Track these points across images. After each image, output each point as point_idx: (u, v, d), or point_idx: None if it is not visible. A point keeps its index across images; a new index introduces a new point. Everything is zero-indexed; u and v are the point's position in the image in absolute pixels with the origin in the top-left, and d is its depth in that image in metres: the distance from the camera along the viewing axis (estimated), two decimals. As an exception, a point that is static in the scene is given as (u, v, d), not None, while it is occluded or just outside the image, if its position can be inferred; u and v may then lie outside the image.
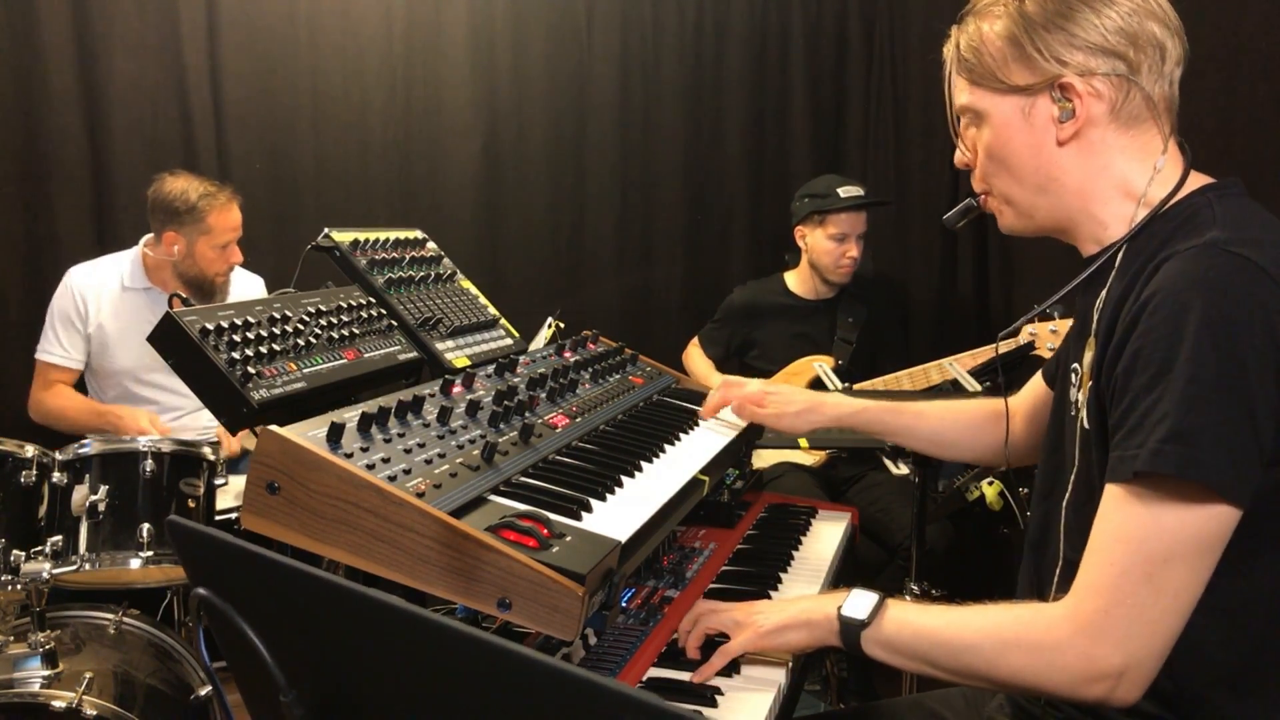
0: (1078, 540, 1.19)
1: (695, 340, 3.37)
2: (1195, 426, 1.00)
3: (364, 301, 1.74)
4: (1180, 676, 1.09)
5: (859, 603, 1.19)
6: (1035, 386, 1.53)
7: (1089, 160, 1.17)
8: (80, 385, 2.93)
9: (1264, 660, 1.10)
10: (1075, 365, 1.24)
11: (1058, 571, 1.22)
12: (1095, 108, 1.15)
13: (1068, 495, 1.22)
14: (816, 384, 2.96)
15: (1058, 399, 1.30)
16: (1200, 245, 1.06)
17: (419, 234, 1.98)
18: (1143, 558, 1.02)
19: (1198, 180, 1.18)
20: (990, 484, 2.36)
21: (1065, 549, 1.22)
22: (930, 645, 1.14)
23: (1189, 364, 1.00)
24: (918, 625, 1.16)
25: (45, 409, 2.83)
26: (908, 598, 1.18)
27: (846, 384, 2.86)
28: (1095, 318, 1.18)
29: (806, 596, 1.32)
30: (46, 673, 1.83)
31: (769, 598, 1.54)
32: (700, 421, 1.77)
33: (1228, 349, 1.00)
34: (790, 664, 1.33)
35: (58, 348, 2.83)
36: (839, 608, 1.20)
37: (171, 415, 2.91)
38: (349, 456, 1.16)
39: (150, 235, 2.87)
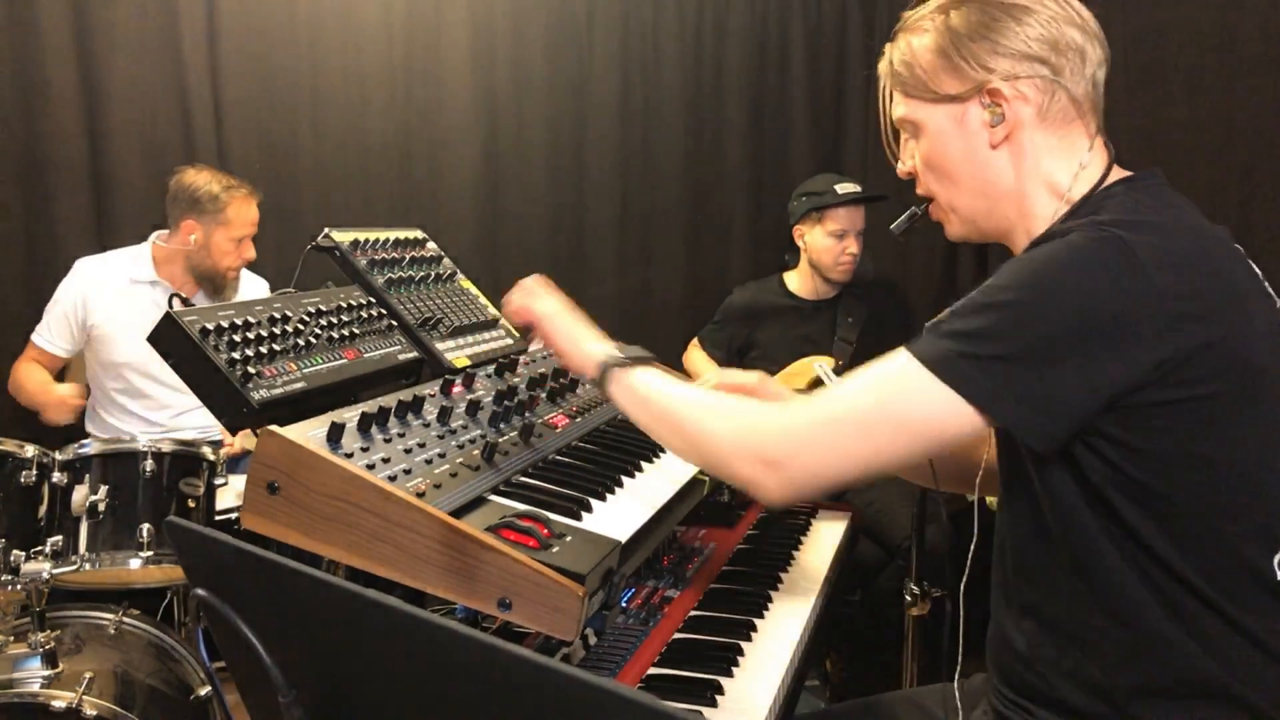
0: (1008, 534, 1.26)
1: (695, 341, 3.37)
2: (982, 341, 1.06)
3: (364, 301, 1.73)
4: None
5: (632, 354, 1.34)
6: None
7: (1020, 162, 1.22)
8: (79, 382, 2.94)
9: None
10: None
11: (1010, 547, 1.26)
12: (1023, 110, 1.20)
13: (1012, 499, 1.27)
14: (817, 384, 2.96)
15: None
16: (1082, 224, 1.10)
17: (419, 234, 1.98)
18: (873, 399, 1.12)
19: (1118, 174, 1.22)
20: (990, 484, 2.35)
21: (1012, 546, 1.26)
22: (660, 395, 1.27)
23: (1018, 292, 1.07)
24: (659, 382, 1.29)
25: (14, 379, 2.86)
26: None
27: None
28: None
29: (602, 335, 1.43)
30: (46, 673, 1.83)
31: (769, 598, 1.54)
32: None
33: (1062, 298, 1.05)
34: (790, 663, 1.33)
35: (46, 331, 2.87)
36: (612, 349, 1.35)
37: (172, 412, 2.91)
38: (349, 456, 1.16)
39: (163, 231, 2.89)
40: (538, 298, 1.51)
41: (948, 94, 1.23)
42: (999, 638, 1.27)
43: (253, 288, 3.05)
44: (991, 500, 2.34)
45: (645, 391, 1.29)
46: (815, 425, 1.14)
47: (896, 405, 1.10)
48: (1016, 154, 1.22)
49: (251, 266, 3.02)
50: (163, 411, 2.90)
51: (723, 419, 1.20)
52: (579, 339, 1.41)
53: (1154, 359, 1.03)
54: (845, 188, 3.09)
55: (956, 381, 1.06)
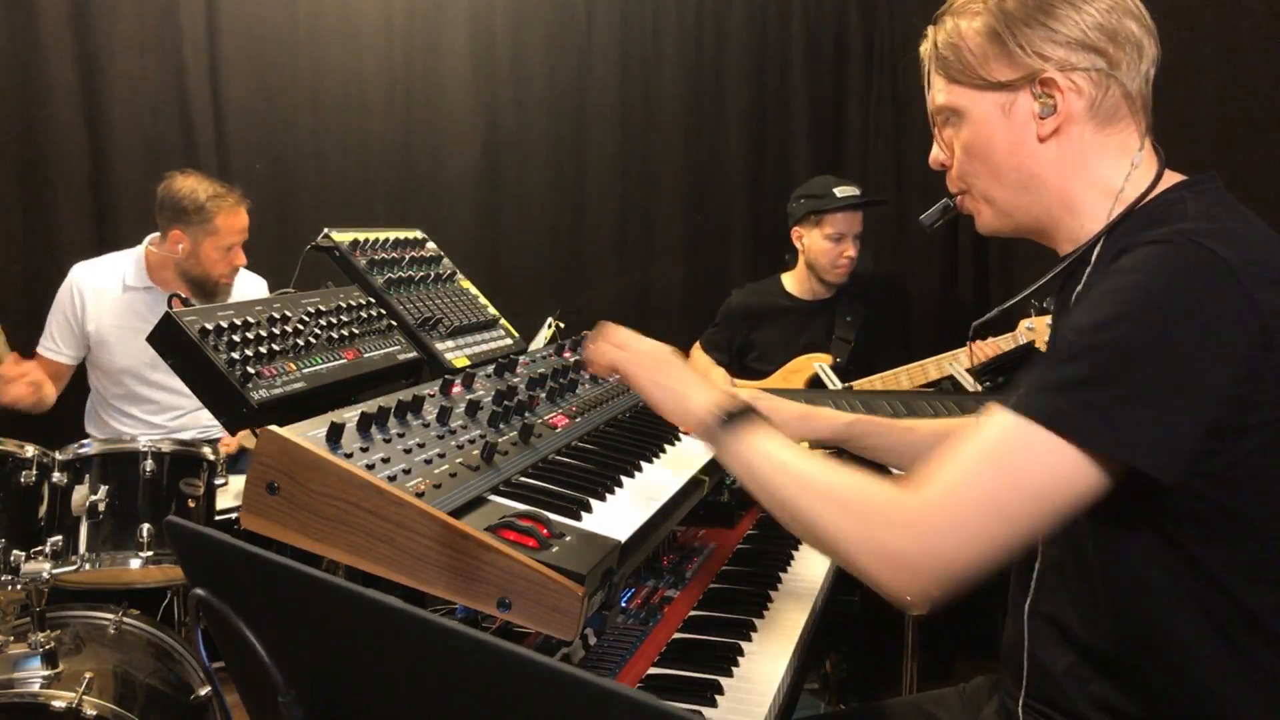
0: (1056, 539, 1.19)
1: (698, 345, 3.38)
2: (1093, 387, 0.99)
3: (364, 301, 1.73)
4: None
5: (736, 410, 1.20)
6: None
7: (1068, 157, 1.17)
8: (81, 383, 2.94)
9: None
10: None
11: (1036, 572, 1.22)
12: (1075, 103, 1.14)
13: None
14: (815, 383, 2.96)
15: None
16: (1169, 232, 1.05)
17: (419, 234, 1.98)
18: (1004, 485, 1.01)
19: (1173, 177, 1.18)
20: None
21: (1045, 549, 1.21)
22: (773, 468, 1.14)
23: (1116, 326, 1.00)
24: (771, 448, 1.16)
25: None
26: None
27: (846, 384, 2.87)
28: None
29: (707, 380, 1.30)
30: (46, 673, 1.83)
31: (769, 597, 1.54)
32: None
33: (1164, 325, 0.99)
34: (790, 663, 1.33)
35: (49, 341, 2.86)
36: (716, 405, 1.21)
37: (173, 414, 2.91)
38: (349, 456, 1.16)
39: (155, 234, 2.88)
40: (621, 341, 1.36)
41: (997, 81, 1.16)
42: (1017, 644, 1.24)
43: (250, 286, 3.04)
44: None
45: (756, 467, 1.17)
46: (942, 515, 1.03)
47: (1021, 474, 1.01)
48: (1065, 148, 1.16)
49: (250, 265, 3.02)
50: (163, 415, 2.90)
51: (842, 510, 1.08)
52: (679, 391, 1.27)
53: (1255, 377, 1.00)
54: (844, 191, 3.09)
55: (1081, 435, 0.98)
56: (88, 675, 1.84)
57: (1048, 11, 1.14)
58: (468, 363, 1.73)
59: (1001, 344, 2.66)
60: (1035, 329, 2.57)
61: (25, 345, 2.89)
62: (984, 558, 1.02)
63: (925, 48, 1.25)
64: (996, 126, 1.19)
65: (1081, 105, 1.15)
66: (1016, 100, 1.17)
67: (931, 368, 2.80)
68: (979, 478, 1.02)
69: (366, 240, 1.82)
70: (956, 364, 2.67)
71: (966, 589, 1.03)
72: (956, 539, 1.01)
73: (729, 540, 1.77)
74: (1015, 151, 1.18)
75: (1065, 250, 1.22)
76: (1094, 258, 1.17)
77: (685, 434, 1.68)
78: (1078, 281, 1.18)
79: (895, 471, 2.46)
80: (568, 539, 1.14)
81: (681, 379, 1.28)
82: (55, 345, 2.85)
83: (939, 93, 1.24)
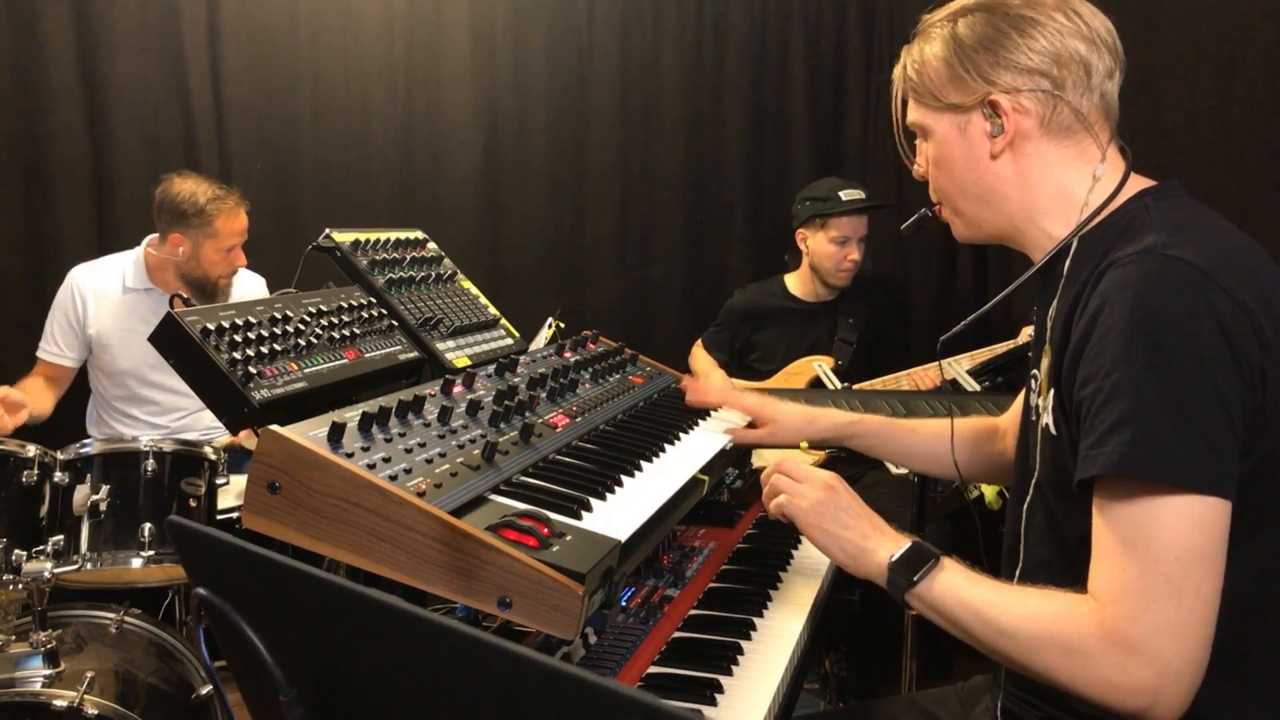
0: (1047, 542, 1.23)
1: (699, 343, 3.38)
2: (1160, 429, 1.02)
3: (365, 301, 1.74)
4: None
5: (914, 559, 1.19)
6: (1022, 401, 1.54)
7: (1026, 172, 1.23)
8: (83, 384, 2.94)
9: (1241, 648, 1.10)
10: (1035, 371, 1.29)
11: (1028, 573, 1.26)
12: (1024, 123, 1.21)
13: (1029, 498, 1.26)
14: (816, 384, 2.97)
15: (1025, 405, 1.35)
16: (1139, 252, 1.09)
17: (419, 234, 1.98)
18: (1151, 559, 1.02)
19: (1137, 183, 1.22)
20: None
21: (1036, 550, 1.25)
22: (970, 618, 1.14)
23: (1145, 369, 1.03)
24: (961, 596, 1.15)
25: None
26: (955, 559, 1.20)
27: (846, 384, 2.87)
28: (1049, 325, 1.23)
29: (872, 520, 1.27)
30: (48, 672, 1.84)
31: (769, 597, 1.54)
32: (700, 421, 1.77)
33: (1181, 349, 1.03)
34: (790, 662, 1.33)
35: (52, 345, 2.84)
36: (892, 556, 1.20)
37: (175, 415, 2.91)
38: (350, 456, 1.17)
39: (154, 235, 2.87)
40: (784, 485, 1.34)
41: (952, 103, 1.25)
42: None
43: (249, 286, 3.04)
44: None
45: (949, 614, 1.16)
46: (1133, 624, 1.02)
47: (1164, 542, 1.02)
48: (1021, 164, 1.23)
49: (251, 265, 3.02)
50: (165, 417, 2.90)
51: (1046, 649, 1.07)
52: (851, 540, 1.26)
53: (1260, 371, 1.04)
54: (850, 195, 3.09)
55: (1164, 472, 1.01)
56: (89, 674, 1.84)
57: (994, 39, 1.21)
58: (468, 363, 1.73)
59: (999, 349, 2.67)
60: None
61: (26, 345, 2.90)
62: (1199, 638, 1.02)
63: (897, 70, 1.33)
64: (955, 145, 1.27)
65: (1031, 124, 1.21)
66: (970, 120, 1.24)
67: (933, 372, 2.80)
68: (1146, 562, 1.02)
69: (367, 240, 1.83)
70: (957, 365, 2.67)
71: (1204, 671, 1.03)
72: (1160, 637, 1.01)
73: (729, 540, 1.78)
74: (973, 168, 1.26)
75: (1037, 257, 1.27)
76: (1066, 270, 1.21)
77: (685, 434, 1.68)
78: (1053, 293, 1.23)
79: (896, 470, 2.48)
80: (568, 538, 1.14)
81: (852, 526, 1.27)
82: (58, 348, 2.84)
83: (911, 110, 1.32)
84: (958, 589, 1.16)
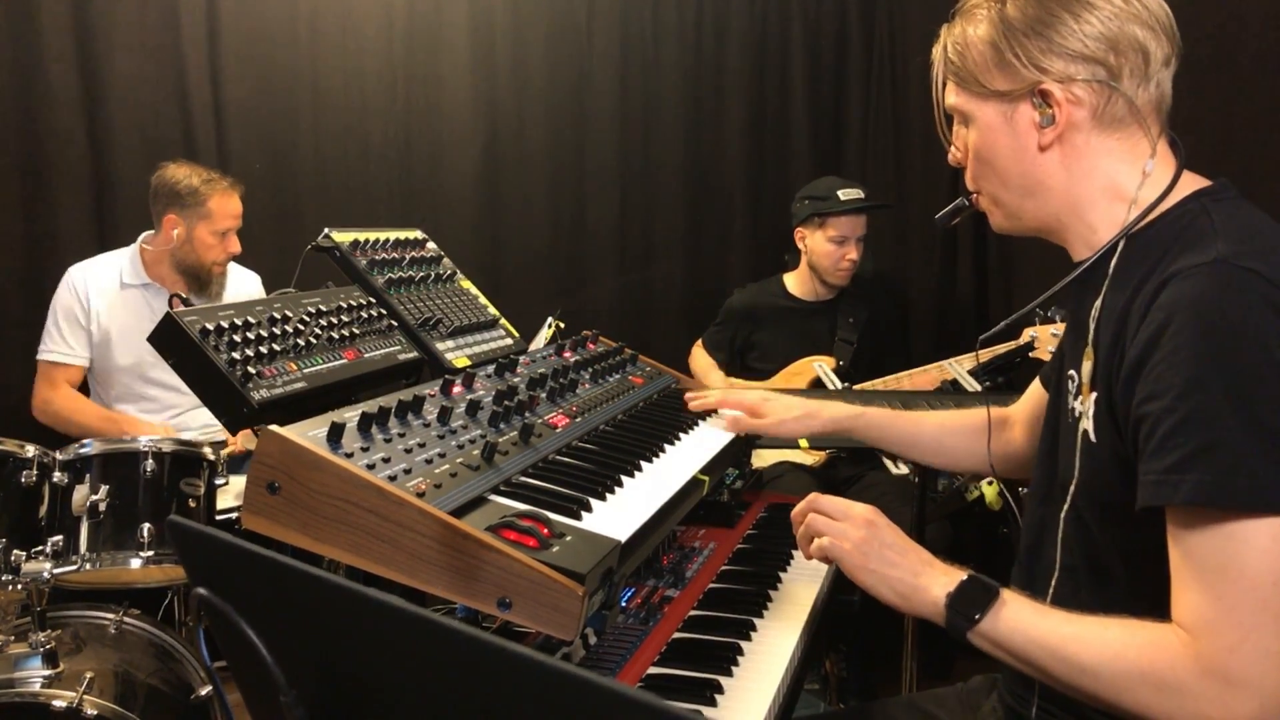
0: (1077, 549, 1.18)
1: (699, 343, 3.38)
2: (1246, 454, 0.97)
3: (364, 301, 1.74)
4: None
5: (973, 594, 1.11)
6: (1034, 393, 1.52)
7: (1074, 164, 1.17)
8: (83, 385, 2.93)
9: None
10: (1072, 373, 1.22)
11: (1054, 580, 1.21)
12: (1076, 114, 1.14)
13: (1066, 505, 1.19)
14: (817, 384, 2.97)
15: (1053, 404, 1.29)
16: (1208, 265, 1.03)
17: (419, 234, 1.98)
18: (1247, 586, 0.97)
19: (1190, 182, 1.16)
20: (990, 484, 2.36)
21: (1063, 557, 1.20)
22: (1045, 656, 1.07)
23: (1223, 390, 0.98)
24: (1032, 633, 1.08)
25: (54, 410, 2.81)
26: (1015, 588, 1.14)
27: (846, 384, 2.87)
28: (1092, 326, 1.16)
29: (920, 554, 1.18)
30: (47, 672, 1.83)
31: (769, 598, 1.54)
32: (700, 421, 1.77)
33: (1261, 367, 0.98)
34: (790, 662, 1.33)
35: (62, 345, 2.83)
36: (949, 593, 1.12)
37: (172, 413, 2.91)
38: (349, 456, 1.17)
39: (149, 232, 2.88)
40: (824, 525, 1.24)
41: (998, 90, 1.17)
42: None
43: (242, 280, 3.04)
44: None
45: (1016, 650, 1.09)
46: (1229, 654, 0.97)
47: (1260, 567, 0.96)
48: (1069, 156, 1.16)
49: (251, 265, 3.02)
50: (163, 414, 2.90)
51: (1134, 684, 1.02)
52: (902, 580, 1.17)
53: None
54: (849, 194, 3.09)
55: (1256, 498, 0.96)
56: (88, 675, 1.84)
57: (1046, 21, 1.13)
58: (468, 363, 1.73)
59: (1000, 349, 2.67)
60: (1039, 337, 2.57)
61: (26, 345, 2.89)
62: None
63: (937, 50, 1.26)
64: (1000, 133, 1.19)
65: (1083, 115, 1.14)
66: (1017, 109, 1.17)
67: (934, 372, 2.80)
68: (1231, 597, 0.97)
69: (367, 240, 1.83)
70: (958, 365, 2.67)
71: None
72: (1262, 667, 0.96)
73: (729, 540, 1.77)
74: (1019, 159, 1.19)
75: (1078, 253, 1.21)
76: (1113, 268, 1.15)
77: (685, 434, 1.68)
78: (1096, 293, 1.17)
79: (896, 470, 2.47)
80: (568, 539, 1.14)
81: (900, 564, 1.17)
82: (70, 348, 2.82)
83: (950, 94, 1.24)
84: (1026, 624, 1.08)
